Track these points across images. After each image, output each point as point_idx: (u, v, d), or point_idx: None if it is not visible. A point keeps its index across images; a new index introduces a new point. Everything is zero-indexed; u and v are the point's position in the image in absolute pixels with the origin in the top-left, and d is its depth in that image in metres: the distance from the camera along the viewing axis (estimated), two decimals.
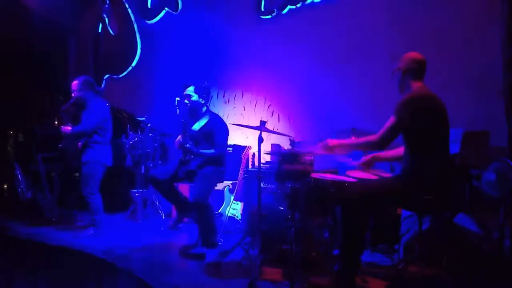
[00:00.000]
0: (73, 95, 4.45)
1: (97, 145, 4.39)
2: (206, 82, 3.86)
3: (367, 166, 3.10)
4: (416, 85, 2.74)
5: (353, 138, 3.20)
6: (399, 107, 2.59)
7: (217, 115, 3.93)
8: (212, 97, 6.03)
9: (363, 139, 2.74)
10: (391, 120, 2.59)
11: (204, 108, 3.86)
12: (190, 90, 3.77)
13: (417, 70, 2.76)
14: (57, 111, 6.93)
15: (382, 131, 2.61)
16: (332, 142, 2.82)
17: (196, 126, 3.78)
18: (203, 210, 3.51)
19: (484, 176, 3.15)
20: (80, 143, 4.43)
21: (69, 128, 4.31)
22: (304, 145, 3.71)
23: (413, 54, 2.81)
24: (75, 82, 4.46)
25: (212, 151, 3.66)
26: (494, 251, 3.10)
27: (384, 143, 2.62)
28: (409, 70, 2.76)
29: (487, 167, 3.16)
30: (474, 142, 3.66)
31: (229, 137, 3.90)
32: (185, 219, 4.91)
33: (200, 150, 3.67)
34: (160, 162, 5.62)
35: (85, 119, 4.38)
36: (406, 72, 2.77)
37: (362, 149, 2.80)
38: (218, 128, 3.74)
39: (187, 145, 3.58)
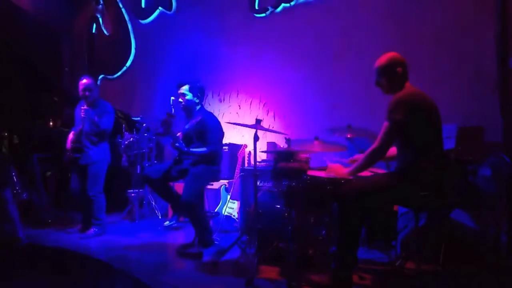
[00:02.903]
0: (87, 93, 4.32)
1: (102, 144, 4.42)
2: (200, 82, 3.86)
3: None
4: (403, 85, 2.74)
5: (356, 156, 3.18)
6: (389, 110, 2.59)
7: (210, 113, 3.91)
8: (207, 96, 6.02)
9: (366, 155, 2.69)
10: (385, 125, 2.60)
11: (198, 107, 3.85)
12: (185, 89, 3.76)
13: (402, 69, 2.75)
14: (51, 112, 6.92)
15: (379, 138, 2.62)
16: (348, 172, 2.79)
17: (188, 125, 3.77)
18: (192, 210, 3.48)
19: (480, 172, 3.16)
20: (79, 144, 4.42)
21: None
22: (298, 144, 3.70)
23: (395, 56, 2.79)
24: (87, 82, 4.34)
25: (204, 149, 3.64)
26: (491, 247, 3.11)
27: (384, 146, 2.62)
28: (393, 71, 2.75)
29: (482, 162, 3.18)
30: (469, 137, 3.67)
31: (224, 135, 3.88)
32: (182, 219, 4.91)
33: (191, 149, 3.64)
34: (155, 161, 5.60)
35: (106, 119, 4.36)
36: (391, 74, 2.76)
37: (371, 163, 2.75)
38: (211, 126, 3.71)
39: (177, 144, 3.55)
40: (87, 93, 4.32)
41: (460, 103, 4.04)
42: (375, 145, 2.63)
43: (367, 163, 2.71)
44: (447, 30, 4.26)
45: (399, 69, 2.74)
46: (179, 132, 3.85)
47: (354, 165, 2.77)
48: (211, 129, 3.69)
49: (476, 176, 3.18)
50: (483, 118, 3.88)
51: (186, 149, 3.59)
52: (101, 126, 4.30)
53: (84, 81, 4.35)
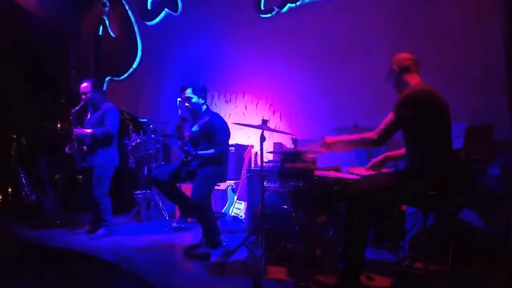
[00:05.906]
0: (83, 97, 4.42)
1: (108, 147, 4.44)
2: (201, 81, 3.86)
3: (379, 166, 3.07)
4: (413, 81, 2.73)
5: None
6: (398, 103, 2.57)
7: (217, 114, 3.91)
8: (213, 97, 6.03)
9: (360, 135, 2.70)
10: (390, 116, 2.57)
11: (204, 107, 3.86)
12: (189, 92, 3.76)
13: (411, 66, 2.76)
14: (59, 114, 6.98)
15: (380, 127, 2.59)
16: (330, 139, 2.81)
17: (196, 127, 3.77)
18: (201, 211, 3.48)
19: (489, 171, 3.14)
20: (85, 146, 4.43)
21: (89, 130, 4.32)
22: (305, 144, 3.69)
23: (403, 54, 2.83)
24: (86, 85, 4.44)
25: (211, 151, 3.64)
26: (500, 246, 3.08)
27: (382, 140, 2.59)
28: (403, 68, 2.76)
29: (491, 161, 3.15)
30: (478, 136, 3.64)
31: (230, 136, 3.88)
32: (189, 219, 4.92)
33: (199, 152, 3.64)
34: (162, 163, 5.62)
35: (108, 121, 4.38)
36: (400, 72, 2.77)
37: (360, 145, 2.76)
38: (218, 127, 3.71)
39: (186, 148, 3.56)
40: (83, 96, 4.44)
41: (469, 102, 4.01)
42: (373, 136, 2.60)
43: (356, 144, 2.72)
44: (454, 29, 4.23)
45: (394, 67, 2.81)
46: (186, 133, 3.85)
47: (342, 137, 2.78)
48: (218, 130, 3.69)
49: (485, 175, 3.15)
50: (492, 116, 3.84)
51: (194, 152, 3.60)
52: (97, 134, 4.33)
53: (83, 85, 4.46)
